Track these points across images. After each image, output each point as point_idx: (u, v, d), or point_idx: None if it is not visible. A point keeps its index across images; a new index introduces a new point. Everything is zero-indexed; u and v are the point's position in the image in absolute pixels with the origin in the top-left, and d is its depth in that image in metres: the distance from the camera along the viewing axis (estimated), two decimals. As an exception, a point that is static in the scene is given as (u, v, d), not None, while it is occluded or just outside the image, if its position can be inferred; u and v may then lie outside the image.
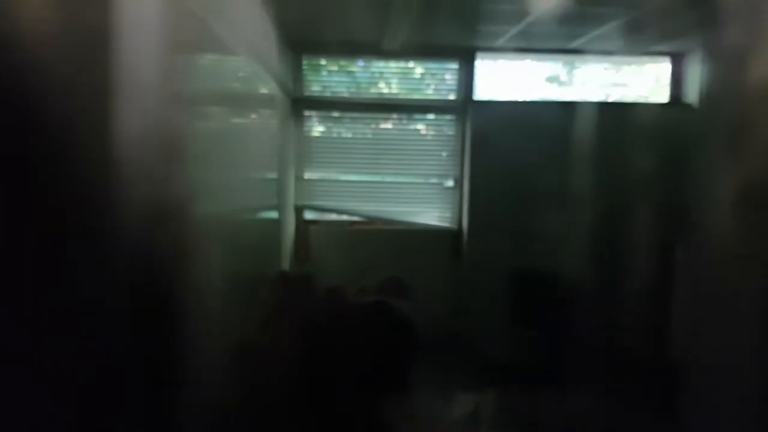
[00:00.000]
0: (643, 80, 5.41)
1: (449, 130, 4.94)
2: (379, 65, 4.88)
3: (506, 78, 5.25)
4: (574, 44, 4.61)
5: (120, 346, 0.98)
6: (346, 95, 4.89)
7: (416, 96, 4.91)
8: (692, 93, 4.78)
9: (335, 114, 4.92)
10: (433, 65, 4.91)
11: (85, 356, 0.87)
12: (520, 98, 5.04)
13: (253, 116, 3.16)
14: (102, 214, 0.93)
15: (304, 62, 4.85)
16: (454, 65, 4.88)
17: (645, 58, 5.02)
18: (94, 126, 0.88)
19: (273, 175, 3.75)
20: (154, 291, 1.14)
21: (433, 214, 5.01)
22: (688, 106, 4.79)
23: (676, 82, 4.95)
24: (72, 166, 0.81)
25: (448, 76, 4.91)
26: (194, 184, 1.87)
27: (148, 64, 1.11)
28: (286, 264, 4.48)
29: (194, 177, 1.86)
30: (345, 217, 5.05)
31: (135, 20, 0.99)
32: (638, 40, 4.27)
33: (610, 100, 5.32)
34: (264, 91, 3.40)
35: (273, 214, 3.81)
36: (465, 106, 4.87)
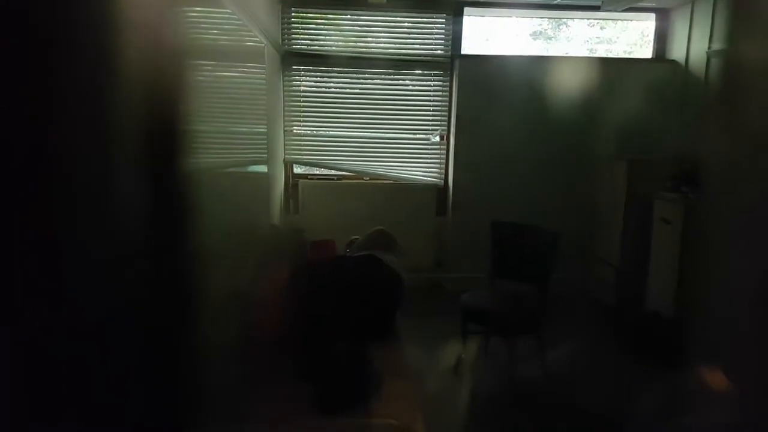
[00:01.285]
0: (628, 36, 5.43)
1: (436, 85, 4.96)
2: (366, 19, 4.85)
3: (493, 33, 5.25)
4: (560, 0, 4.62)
5: (115, 304, 1.00)
6: (334, 50, 4.88)
7: (404, 51, 4.90)
8: (677, 49, 4.82)
9: (323, 68, 4.91)
10: (421, 20, 4.89)
11: (80, 315, 0.90)
12: (507, 53, 5.06)
13: (242, 70, 3.17)
14: (100, 169, 0.93)
15: (293, 16, 4.81)
16: (442, 20, 4.86)
17: (630, 14, 5.03)
18: (93, 81, 0.88)
19: (262, 130, 3.78)
20: (153, 250, 1.15)
21: (419, 169, 5.08)
22: (672, 62, 4.85)
23: (661, 37, 4.99)
24: (70, 122, 0.83)
25: (435, 31, 4.90)
26: (192, 138, 1.91)
27: (151, 17, 1.12)
28: (276, 218, 4.54)
29: (183, 132, 1.90)
30: (333, 172, 5.11)
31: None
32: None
33: (595, 55, 5.35)
34: (253, 44, 3.39)
35: (263, 168, 3.85)
36: (452, 61, 4.89)
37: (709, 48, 4.32)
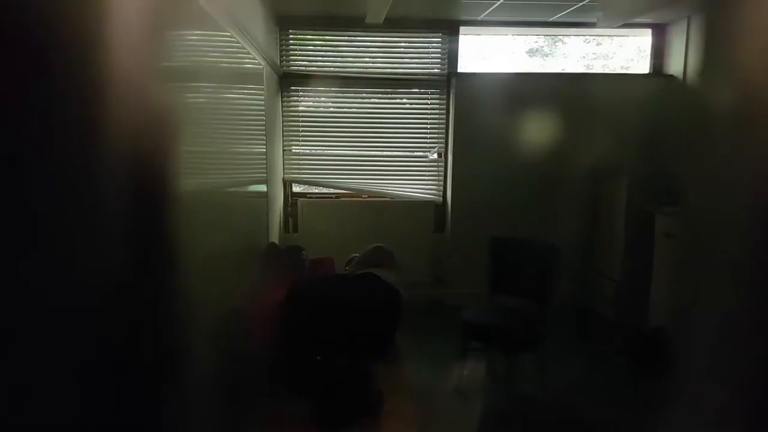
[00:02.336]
0: (625, 52, 5.47)
1: (433, 103, 5.00)
2: (363, 40, 4.91)
3: (489, 51, 5.30)
4: (556, 17, 4.66)
5: (110, 319, 1.01)
6: (331, 70, 4.93)
7: (400, 70, 4.95)
8: (674, 63, 4.85)
9: (321, 88, 4.96)
10: (417, 39, 4.94)
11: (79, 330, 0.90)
12: (503, 71, 5.10)
13: (242, 92, 3.20)
14: (91, 190, 0.94)
15: (291, 38, 4.87)
16: (438, 39, 4.92)
17: (626, 30, 5.07)
18: (82, 104, 0.89)
19: (261, 150, 3.81)
20: (143, 267, 1.16)
21: (417, 186, 5.10)
22: (670, 77, 4.88)
23: (658, 52, 5.03)
24: (61, 145, 0.84)
25: (431, 50, 4.95)
26: (184, 158, 1.93)
27: (138, 39, 1.14)
28: (275, 236, 4.55)
29: (184, 152, 1.92)
30: (332, 190, 5.13)
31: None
32: (620, 12, 4.32)
33: (591, 71, 5.38)
34: (251, 66, 3.43)
35: (262, 188, 3.87)
36: (449, 79, 4.93)
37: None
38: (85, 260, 0.91)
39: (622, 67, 5.45)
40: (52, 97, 0.80)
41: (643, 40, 5.13)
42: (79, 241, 0.90)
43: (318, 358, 2.40)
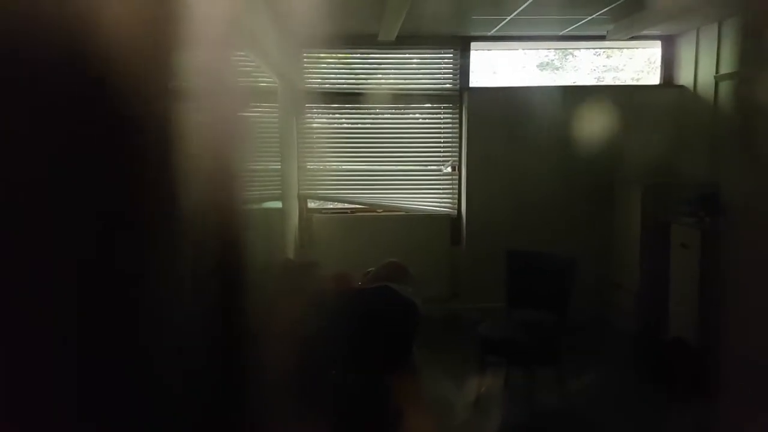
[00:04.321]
0: (635, 63, 5.49)
1: (446, 118, 5.03)
2: (376, 57, 4.97)
3: (500, 66, 5.34)
4: (566, 31, 4.69)
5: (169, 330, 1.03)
6: (345, 87, 4.99)
7: (413, 86, 5.00)
8: (685, 74, 4.85)
9: (336, 105, 5.02)
10: (429, 55, 5.00)
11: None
12: (515, 85, 5.13)
13: (257, 110, 3.25)
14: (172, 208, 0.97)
15: (305, 56, 4.94)
16: (449, 55, 4.97)
17: (636, 42, 5.09)
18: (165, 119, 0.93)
19: (277, 166, 3.85)
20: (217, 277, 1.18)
21: (432, 200, 5.12)
22: (681, 87, 4.87)
23: (668, 64, 5.04)
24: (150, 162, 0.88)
25: (443, 66, 5.00)
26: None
27: (218, 57, 1.17)
28: (290, 252, 4.58)
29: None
30: (347, 205, 5.16)
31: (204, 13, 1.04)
32: (629, 24, 4.35)
33: (602, 83, 5.40)
34: (266, 85, 3.49)
35: (277, 204, 3.90)
36: (461, 94, 4.96)
37: (716, 73, 4.35)
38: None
39: (632, 79, 5.46)
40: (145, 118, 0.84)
41: (653, 51, 5.14)
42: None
43: (333, 372, 2.40)
